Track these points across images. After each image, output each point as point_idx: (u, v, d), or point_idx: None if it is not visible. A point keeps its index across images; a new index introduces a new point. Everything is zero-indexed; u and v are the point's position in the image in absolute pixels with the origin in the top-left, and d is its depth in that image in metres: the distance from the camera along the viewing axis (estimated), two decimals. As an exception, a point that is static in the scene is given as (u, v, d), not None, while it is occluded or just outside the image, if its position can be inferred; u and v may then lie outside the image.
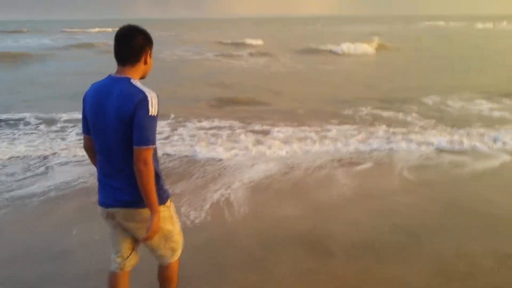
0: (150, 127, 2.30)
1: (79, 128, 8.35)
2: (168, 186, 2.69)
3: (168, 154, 7.19)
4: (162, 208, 2.47)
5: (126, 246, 2.65)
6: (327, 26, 78.90)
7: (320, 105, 11.39)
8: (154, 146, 2.35)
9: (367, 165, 6.79)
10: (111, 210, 2.49)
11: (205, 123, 9.22)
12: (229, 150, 7.33)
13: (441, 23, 78.20)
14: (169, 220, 2.61)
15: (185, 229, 3.02)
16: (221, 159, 6.95)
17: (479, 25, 66.20)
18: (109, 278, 2.70)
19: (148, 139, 2.29)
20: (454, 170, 6.54)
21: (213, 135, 8.32)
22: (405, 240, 4.36)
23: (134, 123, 2.27)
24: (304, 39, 37.63)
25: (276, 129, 8.72)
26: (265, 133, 8.51)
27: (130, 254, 2.68)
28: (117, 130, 2.32)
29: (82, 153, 5.89)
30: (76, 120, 9.11)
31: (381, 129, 8.64)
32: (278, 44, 34.65)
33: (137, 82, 2.37)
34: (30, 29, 64.08)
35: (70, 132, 8.60)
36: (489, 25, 67.07)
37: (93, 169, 2.78)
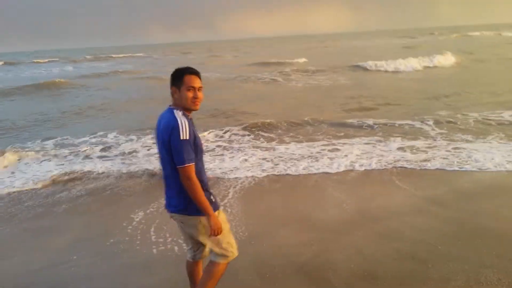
0: (184, 148, 2.77)
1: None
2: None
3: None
4: (200, 218, 2.97)
5: (191, 242, 3.24)
6: (350, 42, 76.84)
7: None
8: (191, 164, 2.80)
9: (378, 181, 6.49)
10: (170, 214, 3.10)
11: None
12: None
13: (476, 33, 73.84)
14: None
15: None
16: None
17: (508, 34, 63.96)
18: (186, 265, 3.40)
19: (183, 159, 2.77)
20: (470, 187, 6.17)
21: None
22: (410, 268, 4.02)
23: (171, 146, 2.81)
24: (343, 56, 36.20)
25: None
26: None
27: (197, 249, 3.27)
28: (165, 151, 2.87)
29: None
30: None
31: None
32: (323, 61, 31.99)
33: (176, 111, 2.87)
34: (53, 58, 65.21)
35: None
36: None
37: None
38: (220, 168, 7.62)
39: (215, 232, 2.92)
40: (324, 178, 6.88)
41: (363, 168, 7.20)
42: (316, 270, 4.08)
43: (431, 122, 10.35)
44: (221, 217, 3.10)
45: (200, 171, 2.95)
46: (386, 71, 24.15)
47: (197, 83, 2.94)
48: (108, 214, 5.90)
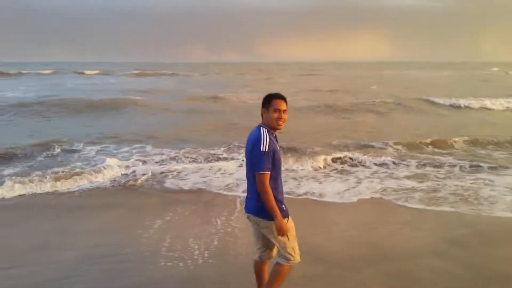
0: (262, 158, 3.27)
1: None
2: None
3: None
4: (271, 223, 3.38)
5: (261, 243, 3.67)
6: (399, 72, 72.95)
7: None
8: (266, 172, 3.29)
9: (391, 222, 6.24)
10: (247, 214, 3.57)
11: None
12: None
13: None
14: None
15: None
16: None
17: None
18: (254, 264, 3.81)
19: (260, 167, 3.26)
20: (493, 229, 5.86)
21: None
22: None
23: (252, 156, 3.34)
24: (409, 87, 33.46)
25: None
26: None
27: (265, 250, 3.69)
28: (248, 161, 3.42)
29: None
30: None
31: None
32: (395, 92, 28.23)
33: (263, 128, 3.42)
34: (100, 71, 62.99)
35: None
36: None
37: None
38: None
39: (280, 233, 3.35)
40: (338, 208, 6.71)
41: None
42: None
43: None
44: (290, 224, 3.51)
45: (276, 180, 3.43)
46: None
47: (283, 106, 3.44)
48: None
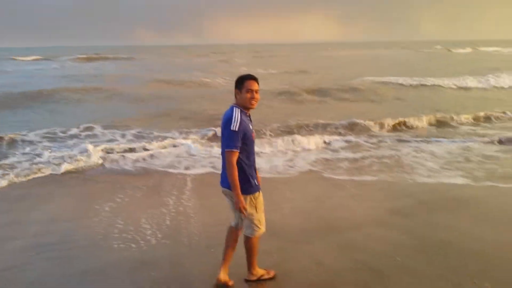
0: (232, 137, 3.45)
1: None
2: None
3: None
4: (249, 197, 3.65)
5: (237, 214, 3.81)
6: (357, 52, 73.82)
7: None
8: (235, 150, 3.47)
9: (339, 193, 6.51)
10: (223, 189, 3.77)
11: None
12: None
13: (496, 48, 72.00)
14: (251, 207, 3.68)
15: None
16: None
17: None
18: (228, 230, 3.99)
19: (229, 145, 3.47)
20: (437, 199, 6.25)
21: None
22: (367, 279, 4.02)
23: (223, 134, 3.54)
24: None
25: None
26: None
27: (242, 220, 3.83)
28: (222, 138, 3.59)
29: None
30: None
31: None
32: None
33: (236, 108, 3.58)
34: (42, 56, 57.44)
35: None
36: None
37: None
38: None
39: (236, 206, 3.55)
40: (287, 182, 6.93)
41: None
42: (275, 281, 4.03)
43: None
44: (260, 198, 3.76)
45: (249, 157, 3.65)
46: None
47: (255, 86, 3.61)
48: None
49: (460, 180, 7.09)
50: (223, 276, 3.91)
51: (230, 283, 3.91)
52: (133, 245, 4.83)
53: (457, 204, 5.99)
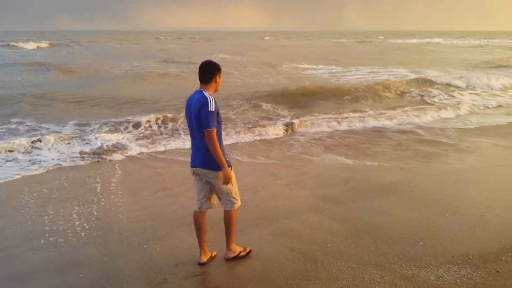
0: (210, 117, 3.69)
1: None
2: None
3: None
4: (220, 172, 3.87)
5: (203, 194, 4.08)
6: (293, 41, 75.98)
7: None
8: (214, 128, 3.71)
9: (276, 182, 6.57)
10: (193, 169, 4.00)
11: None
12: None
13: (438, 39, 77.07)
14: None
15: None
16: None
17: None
18: (194, 215, 4.18)
19: (209, 124, 3.68)
20: (363, 184, 6.48)
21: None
22: (301, 267, 4.08)
23: (201, 116, 3.72)
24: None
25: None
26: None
27: (206, 201, 4.11)
28: (195, 121, 3.78)
29: None
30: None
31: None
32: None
33: (206, 92, 3.81)
34: None
35: None
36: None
37: None
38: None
39: (225, 181, 3.85)
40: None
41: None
42: (210, 274, 3.97)
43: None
44: (232, 172, 3.97)
45: (220, 137, 3.90)
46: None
47: None
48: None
49: (388, 165, 7.45)
50: (204, 258, 4.18)
51: (213, 253, 4.28)
52: (61, 245, 4.57)
53: (387, 189, 6.26)
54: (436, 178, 6.80)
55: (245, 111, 12.47)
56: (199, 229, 4.16)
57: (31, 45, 47.61)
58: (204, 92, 3.82)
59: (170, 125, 10.51)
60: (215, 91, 3.96)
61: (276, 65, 27.21)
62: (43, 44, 50.52)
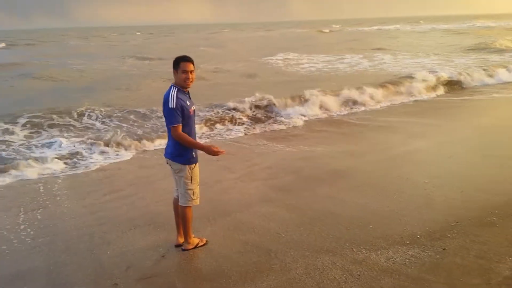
0: (172, 114, 3.78)
1: None
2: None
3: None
4: (187, 167, 4.01)
5: (175, 183, 4.22)
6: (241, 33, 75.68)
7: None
8: (177, 124, 3.81)
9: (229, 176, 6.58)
10: (166, 159, 4.12)
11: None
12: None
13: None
14: (188, 177, 4.04)
15: None
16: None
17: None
18: (173, 201, 4.38)
19: (171, 121, 3.80)
20: (312, 172, 6.56)
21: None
22: (255, 259, 4.08)
23: (164, 113, 3.89)
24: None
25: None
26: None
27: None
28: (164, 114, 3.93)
29: None
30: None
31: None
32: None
33: (173, 88, 3.89)
34: None
35: None
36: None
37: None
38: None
39: (214, 153, 3.90)
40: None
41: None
42: (162, 275, 3.88)
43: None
44: (196, 170, 4.09)
45: (190, 131, 3.98)
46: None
47: (190, 67, 3.88)
48: None
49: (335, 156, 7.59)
50: (180, 239, 4.39)
51: (204, 240, 4.43)
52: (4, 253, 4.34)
53: (337, 176, 6.37)
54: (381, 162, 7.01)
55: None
56: (177, 215, 4.35)
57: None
58: (172, 88, 3.91)
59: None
60: (182, 87, 3.94)
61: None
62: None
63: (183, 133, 3.87)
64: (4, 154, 7.86)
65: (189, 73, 3.89)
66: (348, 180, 6.16)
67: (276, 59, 25.54)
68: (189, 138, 3.91)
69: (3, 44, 47.17)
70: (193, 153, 4.03)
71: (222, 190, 6.03)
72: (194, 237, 4.39)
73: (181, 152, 3.97)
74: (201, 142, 4.05)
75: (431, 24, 79.77)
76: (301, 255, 4.11)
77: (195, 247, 4.32)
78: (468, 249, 4.08)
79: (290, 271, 3.84)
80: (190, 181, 4.06)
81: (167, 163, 4.17)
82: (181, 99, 3.87)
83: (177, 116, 3.81)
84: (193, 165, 4.05)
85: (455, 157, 7.07)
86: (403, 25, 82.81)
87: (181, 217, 4.23)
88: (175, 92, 3.85)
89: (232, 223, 4.91)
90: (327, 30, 70.01)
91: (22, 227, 5.02)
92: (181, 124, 3.85)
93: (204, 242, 4.42)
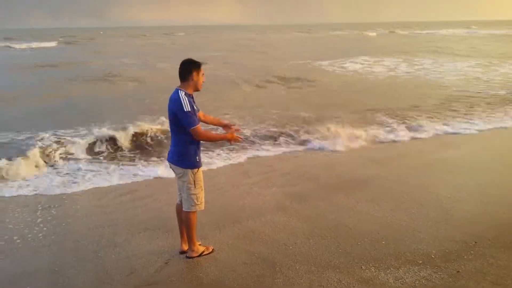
0: (188, 117, 3.77)
1: None
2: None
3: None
4: (190, 171, 3.96)
5: (179, 188, 4.18)
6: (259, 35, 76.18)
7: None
8: (197, 125, 3.81)
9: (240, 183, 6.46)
10: (169, 163, 4.10)
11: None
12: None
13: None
14: (192, 182, 3.99)
15: None
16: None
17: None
18: (176, 207, 4.30)
19: (190, 124, 3.78)
20: (331, 180, 6.39)
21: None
22: (258, 272, 3.95)
23: (180, 118, 3.80)
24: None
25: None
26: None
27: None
28: (171, 118, 3.86)
29: None
30: None
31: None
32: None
33: (181, 92, 3.84)
34: None
35: None
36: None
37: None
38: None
39: (234, 139, 4.02)
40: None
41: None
42: (162, 283, 3.83)
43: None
44: (199, 174, 4.04)
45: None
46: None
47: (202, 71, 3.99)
48: None
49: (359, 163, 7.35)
50: (184, 246, 4.32)
51: (211, 248, 4.35)
52: (10, 254, 4.40)
53: (356, 185, 6.17)
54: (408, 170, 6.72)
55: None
56: (180, 221, 4.27)
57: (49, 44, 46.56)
58: (179, 91, 3.85)
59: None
60: (196, 90, 3.96)
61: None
62: (52, 44, 49.04)
63: (204, 130, 3.90)
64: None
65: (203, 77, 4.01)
66: (367, 190, 5.95)
67: (358, 62, 24.63)
68: (211, 133, 4.11)
69: (53, 43, 49.03)
70: (197, 158, 4.01)
71: (237, 195, 5.94)
72: (200, 244, 4.33)
73: (184, 156, 3.94)
74: (218, 135, 4.13)
75: (483, 30, 76.84)
76: (306, 270, 3.96)
77: (200, 255, 4.24)
78: (484, 273, 3.82)
79: (293, 287, 3.70)
80: (194, 186, 4.01)
81: (170, 168, 4.15)
82: (193, 103, 3.89)
83: (195, 117, 3.83)
84: (196, 170, 4.00)
85: (485, 169, 6.72)
86: (454, 30, 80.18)
87: (185, 223, 4.17)
88: (184, 95, 3.82)
89: (242, 231, 4.81)
90: (374, 33, 68.71)
91: (38, 220, 5.15)
92: (199, 124, 3.87)
93: (210, 250, 4.34)
